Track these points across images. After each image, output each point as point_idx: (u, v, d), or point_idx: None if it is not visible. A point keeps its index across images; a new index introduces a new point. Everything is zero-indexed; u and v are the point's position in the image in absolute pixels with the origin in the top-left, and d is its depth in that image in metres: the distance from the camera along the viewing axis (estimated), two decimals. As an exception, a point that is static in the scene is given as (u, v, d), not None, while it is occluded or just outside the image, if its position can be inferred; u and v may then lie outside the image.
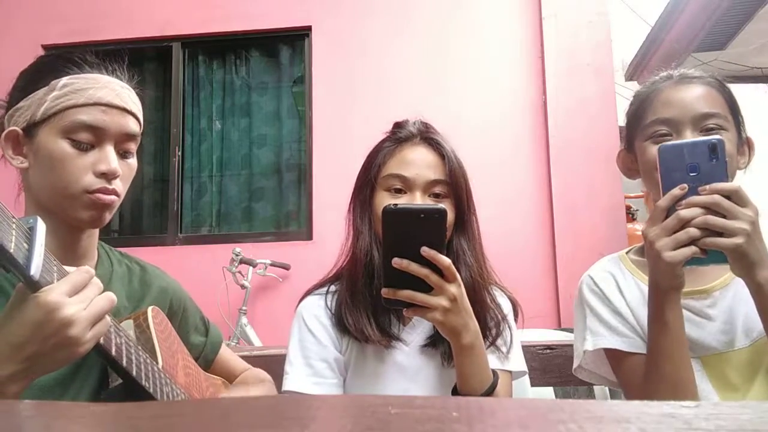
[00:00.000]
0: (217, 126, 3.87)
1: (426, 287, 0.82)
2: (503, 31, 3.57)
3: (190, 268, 3.13)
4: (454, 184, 1.01)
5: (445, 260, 0.81)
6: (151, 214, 3.87)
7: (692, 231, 0.80)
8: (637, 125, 1.00)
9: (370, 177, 1.05)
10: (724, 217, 0.80)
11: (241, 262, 3.21)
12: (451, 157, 1.02)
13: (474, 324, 0.88)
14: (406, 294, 0.81)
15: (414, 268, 0.80)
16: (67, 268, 0.71)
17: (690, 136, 0.93)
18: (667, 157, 0.84)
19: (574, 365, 1.07)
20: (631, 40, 4.33)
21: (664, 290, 0.85)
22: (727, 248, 0.80)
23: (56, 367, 0.70)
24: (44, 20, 3.77)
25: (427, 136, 1.04)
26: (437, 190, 1.01)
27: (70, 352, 0.68)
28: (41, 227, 0.67)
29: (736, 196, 0.80)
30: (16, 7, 3.81)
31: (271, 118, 3.83)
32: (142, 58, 3.92)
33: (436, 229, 0.80)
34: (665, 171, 0.84)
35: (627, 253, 1.09)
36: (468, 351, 0.88)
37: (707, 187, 0.81)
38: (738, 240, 0.78)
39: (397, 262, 0.80)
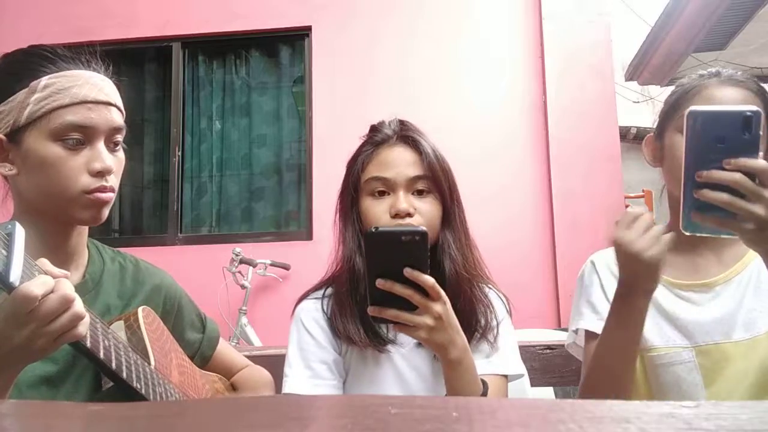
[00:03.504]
0: (217, 126, 3.87)
1: (412, 305, 0.82)
2: (503, 31, 3.57)
3: (190, 268, 3.13)
4: (435, 178, 1.01)
5: (429, 280, 0.80)
6: (151, 214, 3.87)
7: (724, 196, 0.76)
8: (673, 114, 1.01)
9: (350, 184, 1.06)
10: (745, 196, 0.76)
11: (241, 262, 3.21)
12: (428, 152, 1.02)
13: (462, 340, 0.87)
14: (392, 314, 0.82)
15: (398, 288, 0.80)
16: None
17: None
18: (696, 123, 0.78)
19: (567, 342, 1.11)
20: (631, 40, 4.34)
21: (644, 290, 0.86)
22: (741, 232, 0.77)
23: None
24: (44, 20, 3.77)
25: (403, 135, 1.04)
26: (420, 186, 1.01)
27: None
28: (20, 233, 0.65)
29: (763, 176, 0.75)
30: (16, 7, 3.81)
31: (271, 118, 3.83)
32: (142, 58, 3.92)
33: (418, 250, 0.80)
34: (691, 137, 0.78)
35: None
36: (455, 365, 0.88)
37: (732, 161, 0.76)
38: (750, 226, 0.76)
39: (380, 283, 0.80)
